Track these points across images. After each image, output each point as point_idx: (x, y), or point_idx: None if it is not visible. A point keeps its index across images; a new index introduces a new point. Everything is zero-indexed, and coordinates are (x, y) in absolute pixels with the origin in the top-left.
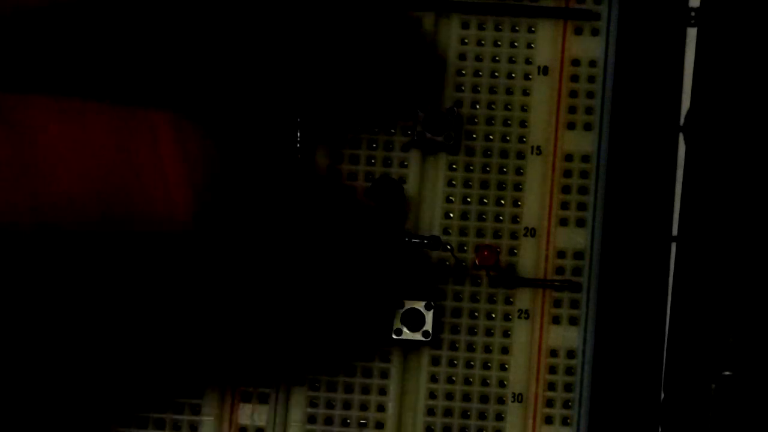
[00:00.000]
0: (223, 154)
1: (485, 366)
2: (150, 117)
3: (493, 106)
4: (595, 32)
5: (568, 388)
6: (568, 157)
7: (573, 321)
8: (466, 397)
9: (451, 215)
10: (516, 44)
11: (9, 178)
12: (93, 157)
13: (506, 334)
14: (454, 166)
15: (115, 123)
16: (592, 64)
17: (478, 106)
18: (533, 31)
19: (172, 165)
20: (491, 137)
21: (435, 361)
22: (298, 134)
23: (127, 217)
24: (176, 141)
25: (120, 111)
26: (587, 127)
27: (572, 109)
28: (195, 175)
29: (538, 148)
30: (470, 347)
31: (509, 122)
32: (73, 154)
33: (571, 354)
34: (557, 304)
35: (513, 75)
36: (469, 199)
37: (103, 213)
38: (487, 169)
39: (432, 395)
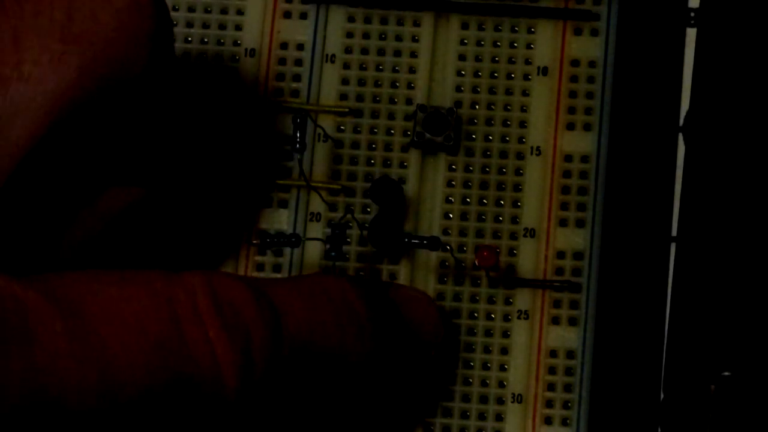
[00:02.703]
0: (264, 312)
1: (484, 366)
2: (186, 282)
3: (492, 107)
4: (594, 33)
5: (567, 388)
6: (568, 158)
7: (572, 321)
8: (466, 398)
9: (451, 216)
10: (515, 45)
11: (75, 356)
12: (142, 327)
13: (506, 334)
14: (453, 167)
15: (157, 291)
16: (592, 64)
17: (477, 107)
18: (533, 32)
19: (214, 331)
20: (491, 138)
21: None
22: (298, 134)
23: (178, 383)
24: (214, 306)
25: (158, 279)
26: (587, 127)
27: (572, 110)
28: (238, 341)
29: (538, 148)
30: (469, 347)
31: (509, 123)
32: (123, 326)
33: (570, 354)
34: (557, 304)
35: (512, 75)
36: (468, 200)
37: (158, 378)
38: (487, 169)
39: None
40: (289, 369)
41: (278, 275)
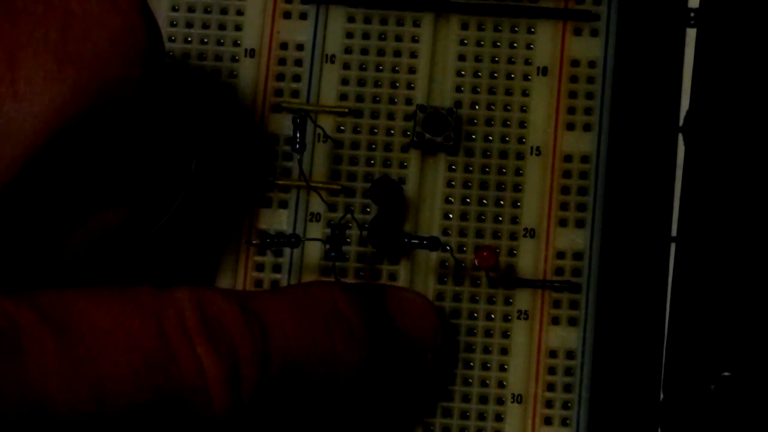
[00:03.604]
0: (253, 324)
1: (484, 366)
2: (174, 299)
3: (492, 107)
4: (594, 33)
5: (567, 388)
6: (568, 158)
7: (572, 322)
8: (465, 398)
9: (451, 216)
10: (515, 45)
11: (66, 373)
12: (131, 344)
13: (505, 334)
14: (453, 167)
15: (146, 308)
16: (592, 64)
17: (477, 107)
18: (533, 32)
19: (202, 348)
20: (490, 138)
21: None
22: (298, 134)
23: (167, 399)
24: (202, 323)
25: (147, 296)
26: (587, 127)
27: (571, 110)
28: (226, 358)
29: (538, 149)
30: (469, 348)
31: (508, 123)
32: (114, 343)
33: (570, 355)
34: (556, 304)
35: (512, 76)
36: (468, 200)
37: (147, 396)
38: (487, 170)
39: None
40: (278, 384)
41: (278, 275)
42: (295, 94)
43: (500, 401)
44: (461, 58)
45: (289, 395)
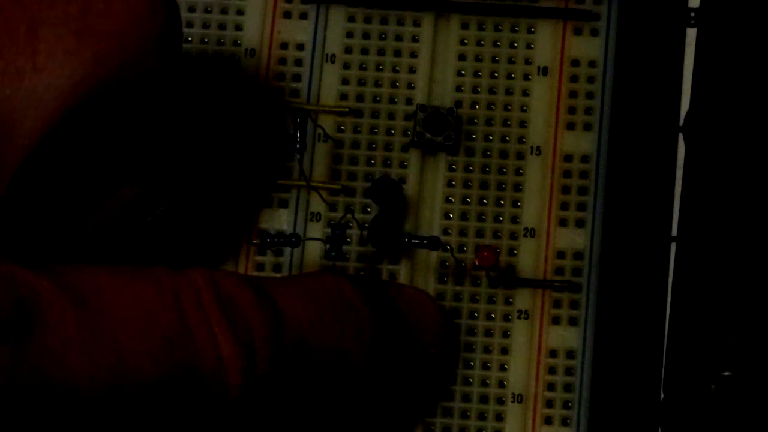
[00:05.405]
0: (266, 309)
1: (485, 366)
2: (191, 278)
3: (492, 107)
4: (594, 33)
5: (567, 388)
6: (568, 158)
7: (573, 321)
8: (466, 398)
9: (451, 216)
10: (515, 45)
11: (86, 345)
12: (150, 320)
13: (506, 334)
14: (453, 167)
15: (164, 286)
16: (592, 64)
17: (477, 107)
18: (533, 32)
19: (218, 327)
20: (491, 138)
21: None
22: (298, 134)
23: (183, 376)
24: (218, 302)
25: (164, 274)
26: (587, 127)
27: (572, 110)
28: (241, 337)
29: (538, 148)
30: (469, 347)
31: (509, 123)
32: (132, 318)
33: (570, 354)
34: (557, 304)
35: (512, 75)
36: (468, 200)
37: (165, 371)
38: (487, 169)
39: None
40: (290, 366)
41: (278, 275)
42: (295, 93)
43: (500, 401)
44: (461, 57)
45: (300, 377)
